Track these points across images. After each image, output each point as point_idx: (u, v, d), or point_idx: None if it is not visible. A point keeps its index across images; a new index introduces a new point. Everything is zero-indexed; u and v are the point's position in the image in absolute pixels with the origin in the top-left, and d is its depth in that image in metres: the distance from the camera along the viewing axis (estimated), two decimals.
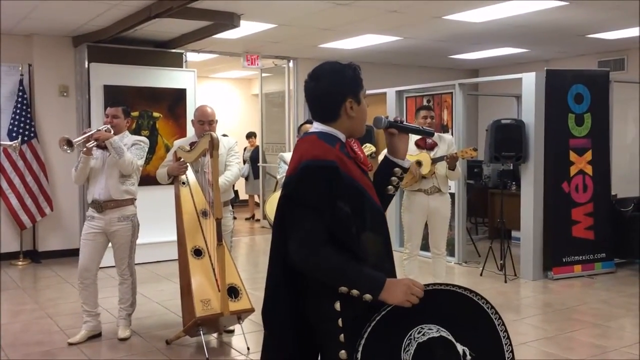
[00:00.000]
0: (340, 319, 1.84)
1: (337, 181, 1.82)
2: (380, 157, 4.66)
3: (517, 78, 6.46)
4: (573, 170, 6.31)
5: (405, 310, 1.77)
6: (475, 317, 1.85)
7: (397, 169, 2.07)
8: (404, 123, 2.09)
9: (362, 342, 1.75)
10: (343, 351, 1.82)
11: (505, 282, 6.09)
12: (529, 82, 6.22)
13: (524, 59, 9.59)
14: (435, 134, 5.18)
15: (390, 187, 2.07)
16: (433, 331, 1.79)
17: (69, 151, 4.18)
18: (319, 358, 1.97)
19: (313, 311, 1.91)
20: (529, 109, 6.23)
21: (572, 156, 6.31)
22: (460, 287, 1.87)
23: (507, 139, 6.15)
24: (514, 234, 7.70)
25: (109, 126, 4.34)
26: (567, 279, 6.21)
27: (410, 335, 1.78)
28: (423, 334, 1.79)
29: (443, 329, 1.80)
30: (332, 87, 1.93)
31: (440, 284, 1.85)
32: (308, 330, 1.93)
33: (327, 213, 1.81)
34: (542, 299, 5.63)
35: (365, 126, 2.03)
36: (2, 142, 4.24)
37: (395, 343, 1.77)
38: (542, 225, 6.24)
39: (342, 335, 1.83)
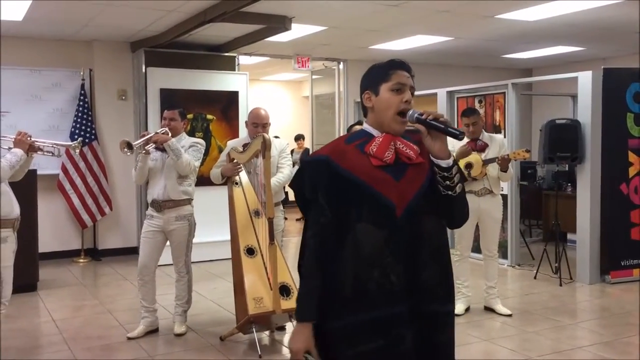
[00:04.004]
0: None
1: (324, 172, 1.93)
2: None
3: (573, 77, 6.31)
4: (632, 171, 6.12)
5: None
6: None
7: (435, 168, 1.92)
8: (429, 119, 1.88)
9: None
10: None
11: (561, 285, 5.96)
12: (585, 81, 6.07)
13: (580, 57, 9.34)
14: (486, 134, 5.13)
15: (439, 187, 1.93)
16: None
17: (129, 154, 4.32)
18: None
19: None
20: (585, 108, 6.08)
21: (631, 157, 6.12)
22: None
23: (562, 139, 6.01)
24: (569, 236, 7.51)
25: (166, 129, 4.48)
26: (625, 283, 6.03)
27: None
28: None
29: None
30: (360, 87, 2.06)
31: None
32: None
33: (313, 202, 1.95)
34: (599, 303, 5.49)
35: (393, 118, 1.94)
36: (63, 143, 4.41)
37: None
38: (599, 228, 6.07)
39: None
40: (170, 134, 4.44)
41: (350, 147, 1.97)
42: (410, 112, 1.93)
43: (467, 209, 2.04)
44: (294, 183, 2.04)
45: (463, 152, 4.81)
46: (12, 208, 3.71)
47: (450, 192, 1.92)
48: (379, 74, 1.99)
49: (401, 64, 1.98)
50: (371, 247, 1.88)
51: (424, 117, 1.88)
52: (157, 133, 4.44)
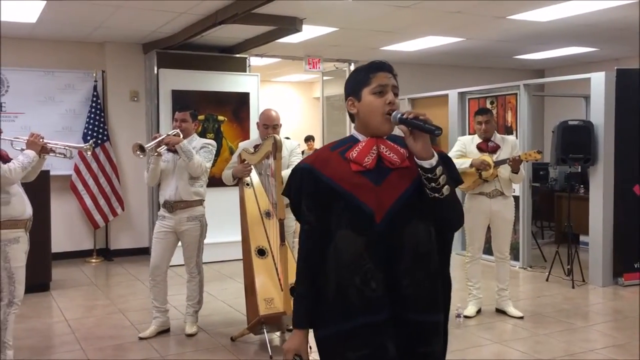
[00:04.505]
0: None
1: (307, 181, 1.94)
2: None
3: (586, 78, 6.26)
4: None
5: None
6: None
7: (419, 170, 1.85)
8: (409, 118, 1.82)
9: None
10: None
11: (573, 287, 5.91)
12: (598, 82, 6.02)
13: (593, 58, 9.28)
14: (499, 136, 5.12)
15: (426, 190, 1.85)
16: None
17: (141, 156, 4.36)
18: None
19: None
20: (598, 109, 6.03)
21: None
22: None
23: (575, 140, 5.98)
24: (581, 238, 7.47)
25: (178, 130, 4.50)
26: (638, 285, 5.97)
27: None
28: None
29: None
30: (344, 94, 2.02)
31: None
32: None
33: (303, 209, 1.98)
34: (612, 305, 5.44)
35: (381, 121, 1.90)
36: (75, 145, 4.44)
37: None
38: (612, 230, 6.02)
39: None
40: (181, 136, 4.47)
41: (334, 154, 1.96)
42: (394, 113, 1.89)
43: (461, 211, 1.99)
44: (285, 190, 2.06)
45: (476, 164, 4.83)
46: (24, 209, 3.74)
47: (437, 195, 1.84)
48: (359, 78, 1.95)
49: (381, 65, 1.94)
50: (351, 253, 1.86)
51: (404, 116, 1.84)
52: (168, 135, 4.47)
